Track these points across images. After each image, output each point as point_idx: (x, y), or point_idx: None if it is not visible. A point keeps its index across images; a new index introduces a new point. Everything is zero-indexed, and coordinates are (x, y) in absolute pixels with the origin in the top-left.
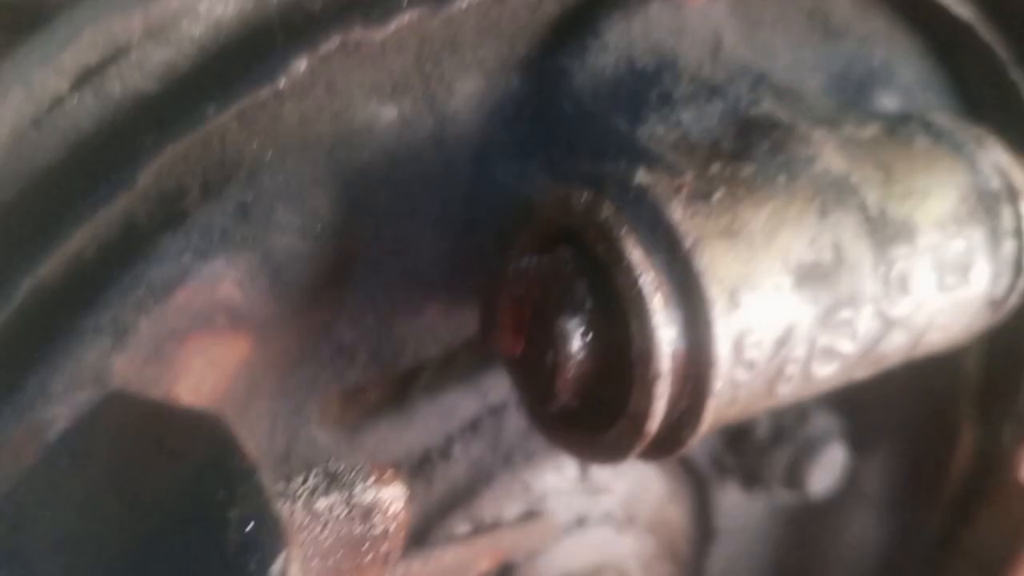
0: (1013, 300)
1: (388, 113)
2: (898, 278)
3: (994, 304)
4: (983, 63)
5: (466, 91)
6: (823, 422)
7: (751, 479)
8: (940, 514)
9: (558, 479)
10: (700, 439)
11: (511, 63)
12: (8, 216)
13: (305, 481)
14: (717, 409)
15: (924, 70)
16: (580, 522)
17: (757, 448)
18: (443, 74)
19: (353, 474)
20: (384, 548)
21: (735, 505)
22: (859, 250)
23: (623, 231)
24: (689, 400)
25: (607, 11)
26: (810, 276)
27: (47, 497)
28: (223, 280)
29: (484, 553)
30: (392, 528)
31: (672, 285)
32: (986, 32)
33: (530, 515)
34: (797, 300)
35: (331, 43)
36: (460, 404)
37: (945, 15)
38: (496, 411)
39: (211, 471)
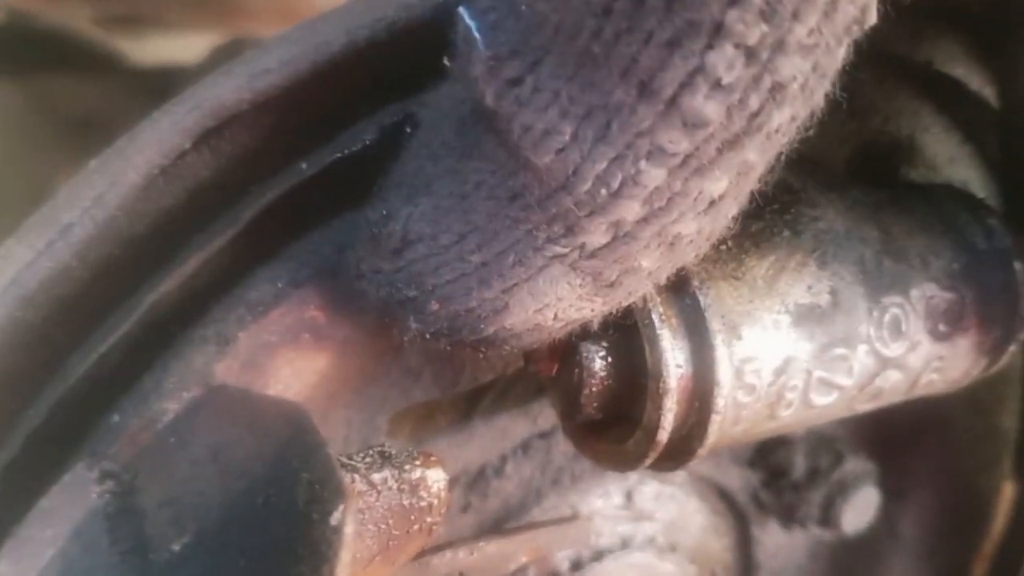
0: (1009, 348)
1: None
2: (891, 323)
3: (989, 352)
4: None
5: None
6: (857, 465)
7: (788, 517)
8: (979, 568)
9: (603, 503)
10: (708, 452)
11: None
12: (139, 245)
13: (364, 458)
14: (722, 425)
15: (950, 146)
16: (624, 544)
17: (793, 487)
18: None
19: (404, 456)
20: (428, 520)
21: (776, 543)
22: (854, 297)
23: None
24: (697, 416)
25: None
26: (807, 317)
27: (159, 468)
28: (309, 304)
29: (524, 547)
30: (436, 503)
31: (681, 318)
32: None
33: (569, 518)
34: (795, 337)
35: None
36: (513, 427)
37: (968, 96)
38: (545, 435)
39: (290, 445)
